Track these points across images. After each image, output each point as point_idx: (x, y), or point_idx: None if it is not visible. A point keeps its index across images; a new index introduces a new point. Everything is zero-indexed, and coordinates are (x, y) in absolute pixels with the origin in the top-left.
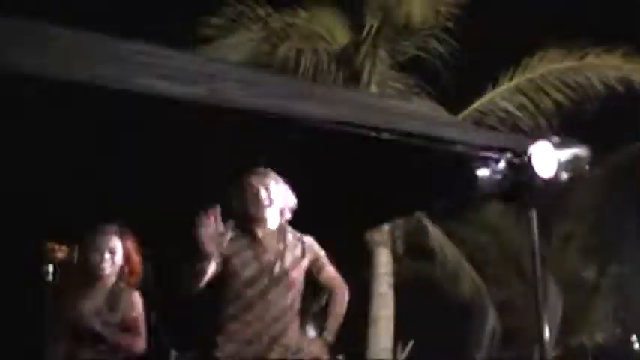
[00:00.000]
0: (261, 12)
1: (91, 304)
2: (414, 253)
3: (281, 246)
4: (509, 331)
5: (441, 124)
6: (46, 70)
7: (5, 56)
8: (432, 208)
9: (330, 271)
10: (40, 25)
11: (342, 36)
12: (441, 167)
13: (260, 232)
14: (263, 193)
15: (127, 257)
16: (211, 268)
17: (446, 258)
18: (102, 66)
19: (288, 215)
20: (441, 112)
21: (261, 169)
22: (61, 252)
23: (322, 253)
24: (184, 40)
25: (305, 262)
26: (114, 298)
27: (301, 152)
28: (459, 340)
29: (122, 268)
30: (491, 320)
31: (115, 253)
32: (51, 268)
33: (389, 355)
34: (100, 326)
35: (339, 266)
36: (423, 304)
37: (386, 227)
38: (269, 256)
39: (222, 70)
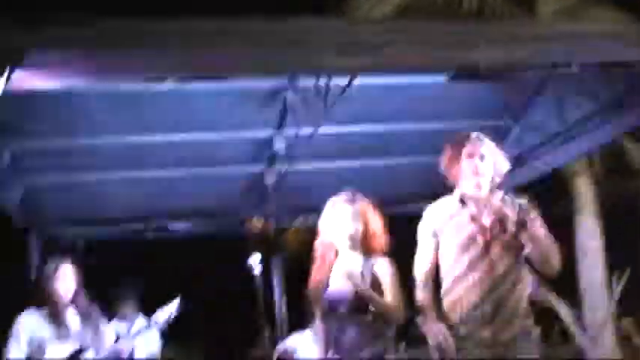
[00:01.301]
0: None
1: (342, 272)
2: (614, 178)
3: (496, 209)
4: None
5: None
6: None
7: None
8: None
9: (541, 231)
10: None
11: None
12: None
13: (474, 198)
14: (477, 161)
15: (365, 222)
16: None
17: None
18: None
19: (499, 179)
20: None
21: (476, 135)
22: (256, 228)
23: (535, 214)
24: None
25: (519, 223)
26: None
27: None
28: None
29: (363, 233)
30: None
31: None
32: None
33: (603, 288)
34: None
35: (536, 200)
36: (635, 231)
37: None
38: (484, 220)
39: None
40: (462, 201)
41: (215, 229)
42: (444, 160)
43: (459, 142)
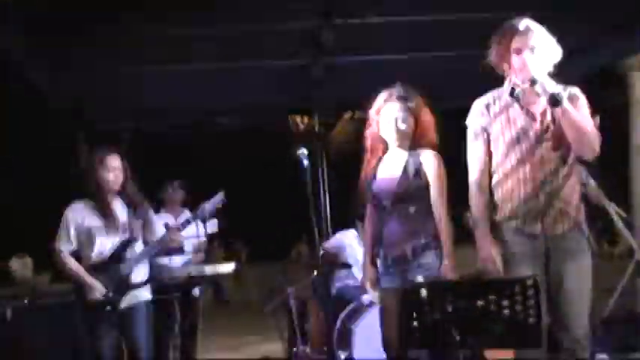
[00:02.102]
0: None
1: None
2: None
3: (544, 100)
4: None
5: None
6: None
7: None
8: None
9: (584, 114)
10: None
11: None
12: None
13: (525, 89)
14: (527, 54)
15: (416, 118)
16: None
17: None
18: None
19: (551, 69)
20: None
21: (525, 26)
22: (302, 124)
23: (584, 102)
24: None
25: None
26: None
27: None
28: None
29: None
30: None
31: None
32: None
33: None
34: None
35: (591, 94)
36: None
37: None
38: (536, 111)
39: None
40: (513, 93)
41: (260, 123)
42: (492, 54)
43: (507, 34)
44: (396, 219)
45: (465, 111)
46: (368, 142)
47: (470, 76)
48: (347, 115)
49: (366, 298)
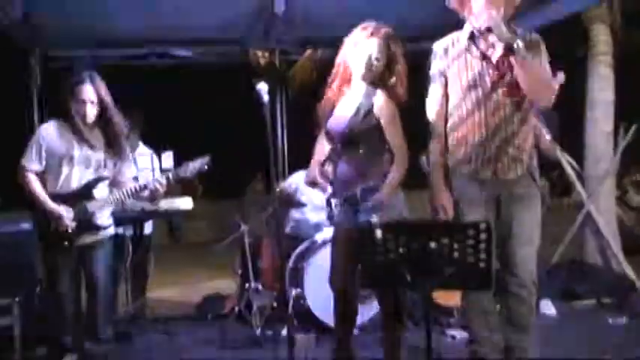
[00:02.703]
0: None
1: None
2: (633, 29)
3: (505, 43)
4: None
5: None
6: None
7: None
8: None
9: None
10: None
11: None
12: None
13: (484, 33)
14: None
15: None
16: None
17: None
18: None
19: (511, 10)
20: None
21: None
22: (263, 58)
23: (542, 49)
24: None
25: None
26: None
27: None
28: None
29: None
30: None
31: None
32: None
33: (609, 139)
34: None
35: (553, 46)
36: None
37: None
38: (493, 57)
39: None
40: (472, 37)
41: (220, 58)
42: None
43: None
44: (346, 160)
45: (427, 54)
46: (335, 70)
47: (435, 16)
48: (309, 52)
49: (318, 237)
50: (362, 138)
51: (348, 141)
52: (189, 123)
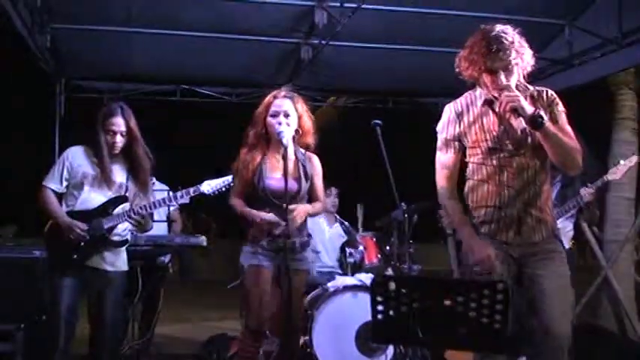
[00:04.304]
0: None
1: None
2: None
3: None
4: None
5: None
6: None
7: None
8: None
9: (562, 124)
10: None
11: None
12: None
13: (500, 95)
14: (501, 74)
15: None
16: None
17: None
18: None
19: (524, 72)
20: None
21: (499, 38)
22: None
23: (562, 108)
24: None
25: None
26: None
27: None
28: None
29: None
30: None
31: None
32: None
33: (631, 205)
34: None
35: (576, 111)
36: None
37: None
38: (510, 120)
39: None
40: (489, 100)
41: (244, 98)
42: (462, 64)
43: (479, 48)
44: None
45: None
46: (250, 139)
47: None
48: (332, 99)
49: (330, 285)
50: (304, 196)
51: (292, 198)
52: (208, 161)
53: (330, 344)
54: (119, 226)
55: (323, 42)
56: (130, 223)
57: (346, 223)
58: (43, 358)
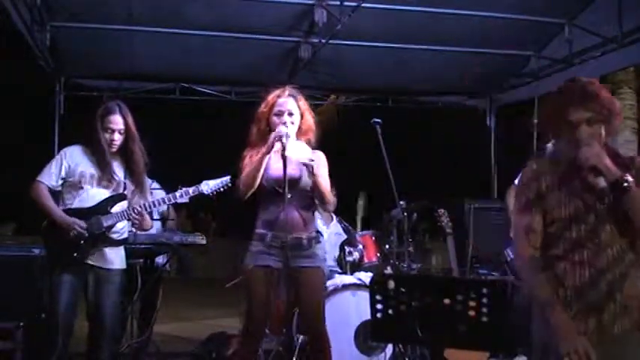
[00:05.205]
0: None
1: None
2: None
3: (609, 171)
4: None
5: None
6: None
7: None
8: None
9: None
10: None
11: None
12: None
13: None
14: (584, 126)
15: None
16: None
17: None
18: None
19: (611, 137)
20: None
21: (587, 86)
22: None
23: None
24: None
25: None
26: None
27: None
28: None
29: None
30: None
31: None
32: None
33: None
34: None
35: None
36: None
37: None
38: (594, 186)
39: None
40: (575, 165)
41: (244, 97)
42: (542, 119)
43: (564, 100)
44: (295, 206)
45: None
46: (253, 138)
47: (457, 75)
48: (332, 97)
49: (329, 283)
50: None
51: (296, 189)
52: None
53: (331, 343)
54: (118, 224)
55: (323, 41)
56: (129, 221)
57: (344, 222)
58: (42, 356)
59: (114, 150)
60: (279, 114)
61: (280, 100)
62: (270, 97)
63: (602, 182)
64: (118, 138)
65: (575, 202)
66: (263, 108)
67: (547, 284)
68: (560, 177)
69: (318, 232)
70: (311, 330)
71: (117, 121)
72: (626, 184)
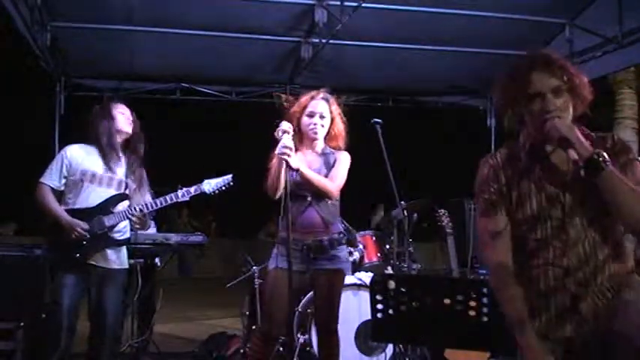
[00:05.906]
0: None
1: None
2: None
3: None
4: None
5: None
6: None
7: None
8: None
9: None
10: None
11: None
12: None
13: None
14: (549, 97)
15: (332, 121)
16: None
17: None
18: None
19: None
20: None
21: (543, 58)
22: (287, 101)
23: (633, 155)
24: None
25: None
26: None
27: None
28: None
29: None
30: None
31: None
32: None
33: None
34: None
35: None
36: None
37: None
38: (561, 176)
39: None
40: (535, 153)
41: (244, 97)
42: (499, 101)
43: (520, 77)
44: (315, 209)
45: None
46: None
47: (459, 77)
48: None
49: None
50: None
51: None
52: (210, 160)
53: None
54: (120, 223)
55: (323, 41)
56: (131, 220)
57: (345, 222)
58: (44, 357)
59: (115, 149)
60: (311, 115)
61: (313, 102)
62: (304, 99)
63: (574, 155)
64: (127, 122)
65: (538, 197)
66: (295, 108)
67: (517, 299)
68: (520, 169)
69: (341, 233)
70: (323, 329)
71: (126, 109)
72: (601, 159)
